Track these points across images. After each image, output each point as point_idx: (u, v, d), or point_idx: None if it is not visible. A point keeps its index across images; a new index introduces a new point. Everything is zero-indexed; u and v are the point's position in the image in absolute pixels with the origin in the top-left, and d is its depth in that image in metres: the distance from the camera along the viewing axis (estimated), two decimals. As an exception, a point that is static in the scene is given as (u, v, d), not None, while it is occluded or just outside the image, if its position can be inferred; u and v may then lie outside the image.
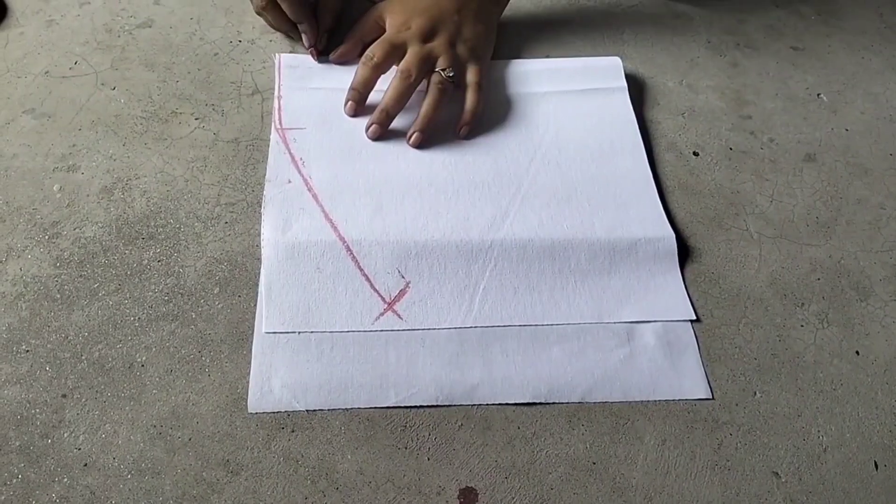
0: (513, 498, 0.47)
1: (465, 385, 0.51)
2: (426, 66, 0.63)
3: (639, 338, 0.54)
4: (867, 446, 0.50)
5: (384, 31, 0.66)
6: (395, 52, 0.63)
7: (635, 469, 0.49)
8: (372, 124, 0.61)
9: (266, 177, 0.60)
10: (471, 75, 0.64)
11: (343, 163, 0.61)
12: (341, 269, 0.55)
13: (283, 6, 0.63)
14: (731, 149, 0.66)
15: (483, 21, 0.66)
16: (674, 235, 0.57)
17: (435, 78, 0.63)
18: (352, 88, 0.63)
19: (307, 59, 0.68)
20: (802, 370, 0.53)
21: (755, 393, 0.52)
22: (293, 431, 0.49)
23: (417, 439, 0.49)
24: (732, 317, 0.56)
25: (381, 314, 0.53)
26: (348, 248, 0.55)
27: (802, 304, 0.57)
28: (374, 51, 0.63)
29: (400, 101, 0.62)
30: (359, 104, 0.63)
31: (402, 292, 0.54)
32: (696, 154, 0.65)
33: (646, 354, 0.53)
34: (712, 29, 0.75)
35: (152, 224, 0.57)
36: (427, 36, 0.63)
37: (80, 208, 0.58)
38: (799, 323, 0.56)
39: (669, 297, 0.56)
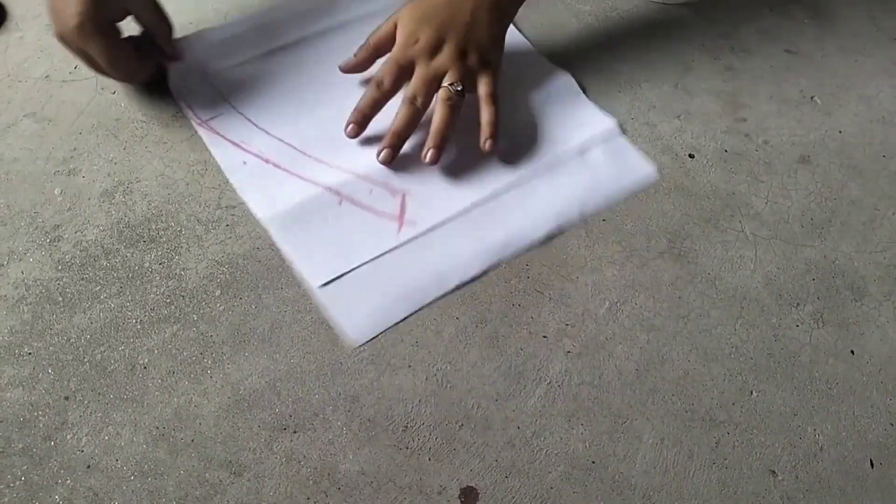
0: (513, 497, 0.48)
1: (498, 242, 0.58)
2: (433, 87, 0.62)
3: (592, 160, 0.64)
4: (863, 445, 0.51)
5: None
6: (403, 75, 0.62)
7: (634, 468, 0.49)
8: (384, 149, 0.61)
9: (223, 168, 0.61)
10: (483, 86, 0.63)
11: (282, 127, 0.63)
12: (342, 212, 0.59)
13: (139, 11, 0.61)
14: (726, 151, 0.66)
15: (493, 28, 0.65)
16: (567, 74, 0.69)
17: (443, 94, 0.62)
18: (357, 110, 0.62)
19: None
20: (798, 370, 0.54)
21: (752, 392, 0.53)
22: (295, 432, 0.49)
23: (418, 439, 0.49)
24: (729, 317, 0.56)
25: (399, 229, 0.58)
26: (336, 192, 0.60)
27: (798, 304, 0.57)
28: (383, 75, 0.62)
29: (409, 127, 0.62)
30: (361, 127, 0.62)
31: (402, 205, 0.59)
32: (691, 156, 0.66)
33: (603, 166, 0.64)
34: (707, 33, 0.76)
35: (153, 227, 0.57)
36: (435, 48, 0.62)
37: (82, 211, 0.58)
38: (794, 323, 0.56)
39: (591, 121, 0.66)
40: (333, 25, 0.71)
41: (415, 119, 0.62)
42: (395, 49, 0.63)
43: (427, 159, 0.61)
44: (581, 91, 0.69)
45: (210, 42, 0.68)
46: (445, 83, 0.62)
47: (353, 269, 0.56)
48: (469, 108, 0.63)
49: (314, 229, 0.58)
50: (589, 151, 0.64)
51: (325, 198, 0.59)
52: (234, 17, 0.71)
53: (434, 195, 0.60)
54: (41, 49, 0.68)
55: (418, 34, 0.63)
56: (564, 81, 0.69)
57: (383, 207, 0.59)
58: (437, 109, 0.62)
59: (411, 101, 0.61)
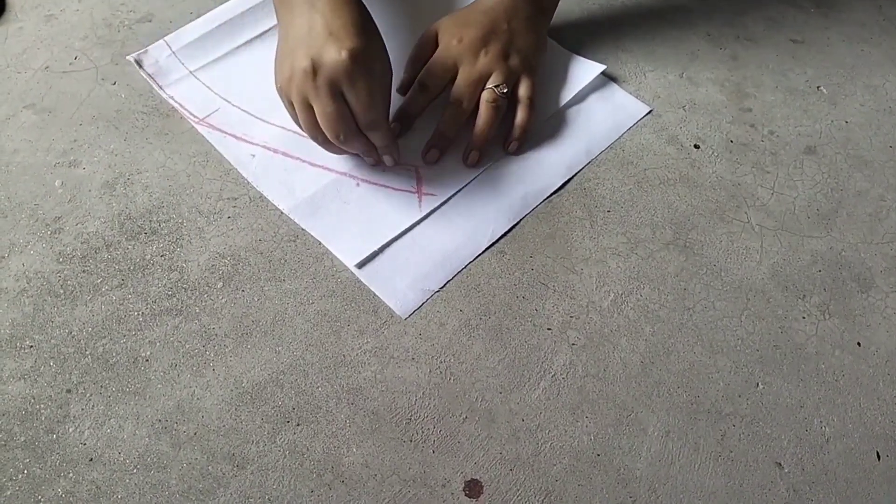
0: (518, 490, 0.47)
1: (518, 199, 0.60)
2: (478, 87, 0.61)
3: (588, 107, 0.67)
4: (869, 437, 0.51)
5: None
6: (446, 75, 0.62)
7: (639, 460, 0.49)
8: (430, 149, 0.61)
9: (233, 163, 0.60)
10: (523, 89, 0.63)
11: (280, 114, 0.61)
12: (362, 193, 0.59)
13: (377, 137, 0.55)
14: (731, 141, 0.66)
15: (534, 31, 0.65)
16: (554, 44, 0.70)
17: (488, 95, 0.61)
18: (401, 109, 0.62)
19: (162, 50, 0.67)
20: (804, 361, 0.54)
21: (758, 384, 0.52)
22: (298, 425, 0.49)
23: (422, 432, 0.49)
24: (734, 309, 0.56)
25: (420, 201, 0.59)
26: (351, 175, 0.60)
27: (804, 295, 0.57)
28: (427, 76, 0.61)
29: (455, 127, 0.61)
30: (405, 127, 0.62)
31: (419, 177, 0.60)
32: (697, 147, 0.65)
33: (599, 111, 0.67)
34: (712, 21, 0.75)
35: (155, 219, 0.57)
36: (479, 48, 0.62)
37: (83, 203, 0.57)
38: (801, 314, 0.56)
39: (581, 72, 0.68)
40: None
41: (460, 120, 0.61)
42: (439, 50, 0.62)
43: (469, 161, 0.61)
44: (563, 48, 0.70)
45: (187, 41, 0.67)
46: (490, 84, 0.61)
47: (386, 246, 0.57)
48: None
49: (339, 213, 0.58)
50: (584, 100, 0.67)
51: (342, 182, 0.60)
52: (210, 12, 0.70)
53: (447, 166, 0.61)
54: (41, 40, 0.68)
55: (462, 35, 0.62)
56: (549, 45, 0.69)
57: (400, 184, 0.60)
58: (482, 111, 0.61)
59: (457, 102, 0.61)
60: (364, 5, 0.54)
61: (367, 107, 0.52)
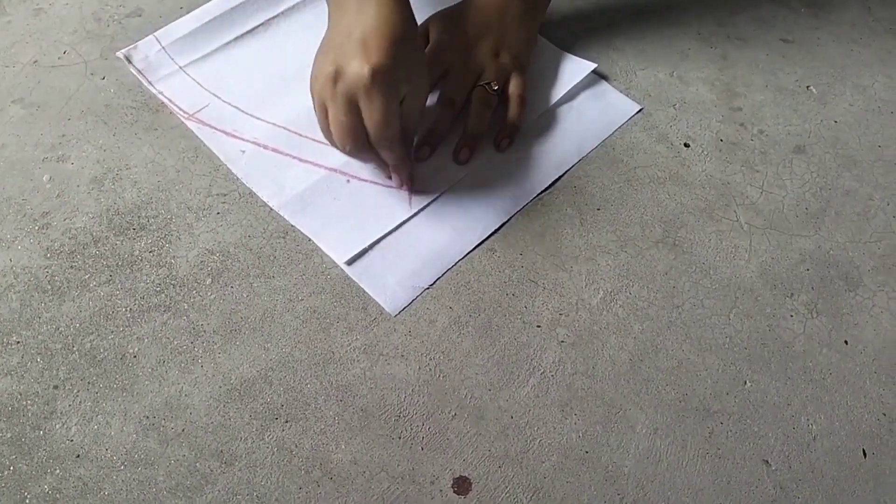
0: (506, 487, 0.47)
1: (508, 198, 0.60)
2: (469, 85, 0.61)
3: (579, 106, 0.66)
4: (856, 434, 0.51)
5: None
6: (436, 72, 0.62)
7: (627, 458, 0.49)
8: (422, 145, 0.61)
9: (223, 159, 0.60)
10: (514, 86, 0.63)
11: (271, 111, 0.63)
12: (352, 189, 0.59)
13: (387, 155, 0.55)
14: (721, 140, 0.66)
15: (525, 28, 0.65)
16: (545, 41, 0.69)
17: (480, 93, 0.61)
18: None
19: (151, 46, 0.66)
20: (792, 359, 0.54)
21: (745, 382, 0.53)
22: (287, 422, 0.49)
23: (411, 429, 0.49)
24: (723, 307, 0.56)
25: (410, 199, 0.59)
26: (342, 172, 0.60)
27: (792, 294, 0.57)
28: None
29: (446, 124, 0.61)
30: None
31: (409, 175, 0.59)
32: (686, 145, 0.65)
33: (590, 110, 0.66)
34: (703, 21, 0.75)
35: (143, 215, 0.57)
36: (469, 47, 0.62)
37: (71, 199, 0.57)
38: (788, 313, 0.56)
39: (573, 70, 0.68)
40: (296, 4, 0.71)
41: (452, 118, 0.61)
42: (429, 47, 0.62)
43: (459, 158, 0.61)
44: (554, 45, 0.70)
45: (177, 36, 0.67)
46: (481, 82, 0.61)
47: (376, 243, 0.57)
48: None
49: (329, 209, 0.58)
50: (575, 98, 0.67)
51: (332, 179, 0.60)
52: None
53: (438, 163, 0.61)
54: (29, 34, 0.67)
55: (452, 34, 0.62)
56: (540, 42, 0.70)
57: (391, 181, 0.60)
58: (473, 109, 0.61)
59: (449, 100, 0.61)
60: (413, 21, 0.53)
61: (379, 125, 0.51)
